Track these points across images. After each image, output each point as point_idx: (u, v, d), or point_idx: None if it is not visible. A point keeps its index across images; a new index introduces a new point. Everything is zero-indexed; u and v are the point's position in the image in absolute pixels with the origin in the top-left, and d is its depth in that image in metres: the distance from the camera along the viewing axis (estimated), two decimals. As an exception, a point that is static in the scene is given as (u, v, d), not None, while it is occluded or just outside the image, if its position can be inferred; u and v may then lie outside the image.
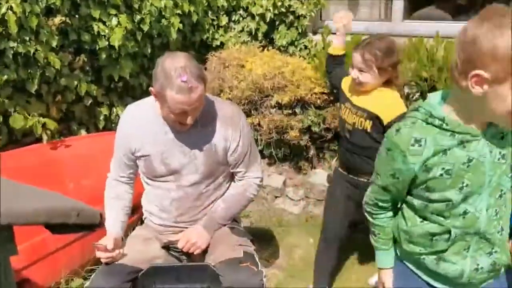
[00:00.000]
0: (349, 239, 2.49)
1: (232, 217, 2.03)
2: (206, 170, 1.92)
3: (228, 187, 2.06)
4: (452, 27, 3.66)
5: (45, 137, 2.80)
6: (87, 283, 1.81)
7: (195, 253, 1.93)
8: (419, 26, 3.80)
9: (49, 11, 2.87)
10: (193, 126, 1.84)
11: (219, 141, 1.89)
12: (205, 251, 1.98)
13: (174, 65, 1.65)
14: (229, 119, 1.90)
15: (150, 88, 1.76)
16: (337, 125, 3.38)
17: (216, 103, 1.92)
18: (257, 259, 1.88)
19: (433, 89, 2.76)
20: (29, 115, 2.78)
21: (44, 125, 2.79)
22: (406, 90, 3.00)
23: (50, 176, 2.50)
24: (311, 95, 3.32)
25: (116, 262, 1.82)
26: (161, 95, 1.69)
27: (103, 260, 1.81)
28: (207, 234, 1.95)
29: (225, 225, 2.01)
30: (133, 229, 2.12)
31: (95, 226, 1.24)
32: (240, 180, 2.04)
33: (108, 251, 1.79)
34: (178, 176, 1.93)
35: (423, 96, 2.85)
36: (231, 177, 2.07)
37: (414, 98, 2.96)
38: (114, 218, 1.93)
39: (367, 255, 2.66)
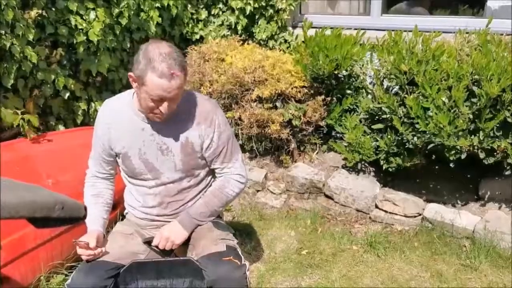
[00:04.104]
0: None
1: (211, 213, 1.96)
2: (185, 167, 1.91)
3: (210, 181, 2.05)
4: (430, 21, 3.73)
5: (31, 135, 2.75)
6: (68, 281, 1.79)
7: (167, 248, 1.89)
8: (397, 20, 3.84)
9: (25, 4, 2.81)
10: (170, 122, 1.83)
11: (194, 138, 1.87)
12: (186, 245, 1.98)
13: (159, 51, 1.64)
14: (204, 116, 1.87)
15: (129, 73, 1.73)
16: (317, 119, 3.41)
17: (194, 100, 1.90)
18: (240, 252, 1.88)
19: (412, 82, 2.79)
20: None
21: (28, 122, 2.74)
22: (386, 83, 3.04)
23: (28, 172, 2.46)
24: (292, 88, 3.33)
25: (97, 259, 1.80)
26: (141, 79, 1.67)
27: (84, 258, 1.79)
28: (182, 229, 1.91)
29: (204, 221, 1.95)
30: (114, 224, 2.11)
31: (79, 219, 1.22)
32: (219, 176, 2.00)
33: (90, 249, 1.77)
34: (157, 174, 1.92)
35: (402, 89, 2.88)
36: (213, 172, 2.05)
37: (394, 91, 2.99)
38: (96, 215, 1.90)
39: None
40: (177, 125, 1.86)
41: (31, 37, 2.79)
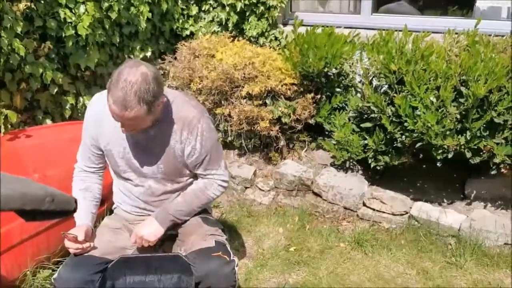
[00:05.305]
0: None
1: (189, 213, 1.97)
2: (167, 171, 1.90)
3: None
4: (420, 21, 3.76)
5: (2, 129, 2.70)
6: (54, 275, 1.78)
7: (139, 246, 1.90)
8: (388, 19, 3.86)
9: (13, -4, 2.78)
10: (154, 124, 1.80)
11: (175, 143, 1.85)
12: (174, 240, 1.98)
13: (126, 77, 1.58)
14: (186, 122, 1.83)
15: None
16: (307, 116, 3.42)
17: (180, 104, 1.86)
18: (229, 248, 1.89)
19: (401, 81, 2.81)
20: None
21: (6, 117, 2.70)
22: (375, 82, 3.06)
23: (14, 166, 2.43)
24: (281, 86, 3.33)
25: (85, 253, 1.80)
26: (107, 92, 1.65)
27: (71, 251, 1.78)
28: (159, 226, 1.89)
29: (180, 220, 1.95)
30: (102, 219, 2.10)
31: (69, 212, 1.21)
32: (202, 179, 1.99)
33: (79, 242, 1.76)
34: (140, 174, 1.92)
35: (391, 88, 2.90)
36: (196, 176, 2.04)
37: (383, 89, 3.01)
38: (84, 210, 1.89)
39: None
40: (160, 128, 1.83)
41: (19, 30, 2.75)
